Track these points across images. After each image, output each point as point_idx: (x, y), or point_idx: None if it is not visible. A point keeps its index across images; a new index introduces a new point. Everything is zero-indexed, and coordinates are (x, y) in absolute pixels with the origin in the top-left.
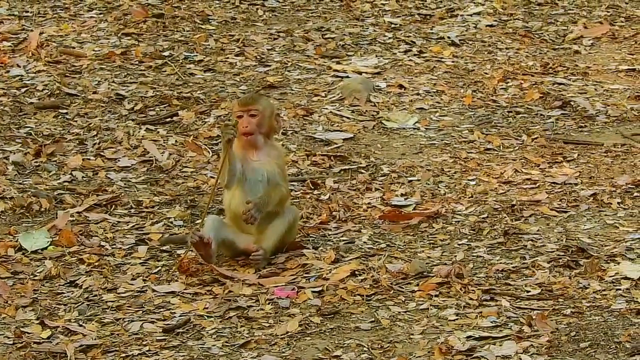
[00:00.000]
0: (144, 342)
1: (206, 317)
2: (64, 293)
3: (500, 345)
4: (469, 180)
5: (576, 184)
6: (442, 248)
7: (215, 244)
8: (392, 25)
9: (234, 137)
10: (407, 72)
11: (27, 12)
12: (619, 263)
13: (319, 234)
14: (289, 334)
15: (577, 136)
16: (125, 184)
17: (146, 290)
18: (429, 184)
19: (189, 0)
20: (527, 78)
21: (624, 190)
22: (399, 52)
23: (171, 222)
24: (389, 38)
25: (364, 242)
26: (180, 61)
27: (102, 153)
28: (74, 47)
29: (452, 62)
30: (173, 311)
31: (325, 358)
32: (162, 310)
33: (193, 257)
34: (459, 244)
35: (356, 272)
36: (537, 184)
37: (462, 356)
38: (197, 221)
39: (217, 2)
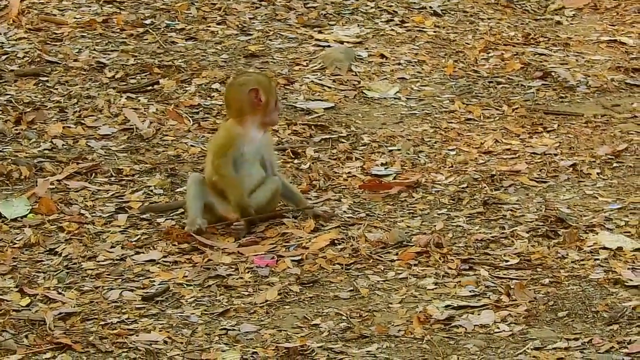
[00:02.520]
0: (123, 310)
1: (185, 286)
2: (43, 261)
3: (479, 314)
4: (449, 150)
5: (556, 155)
6: (422, 218)
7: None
8: None
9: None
10: (389, 42)
11: None
12: (597, 233)
13: None
14: (268, 302)
15: (557, 107)
16: (105, 152)
17: (125, 258)
18: (409, 154)
19: None
20: (508, 48)
21: (603, 160)
22: (381, 21)
23: (151, 191)
24: (371, 7)
25: (344, 212)
26: (162, 29)
27: (82, 121)
28: (55, 15)
29: (434, 32)
30: (152, 279)
31: (304, 327)
32: (141, 278)
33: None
34: (438, 214)
35: (336, 241)
36: (517, 154)
37: (440, 325)
38: (178, 190)
39: None
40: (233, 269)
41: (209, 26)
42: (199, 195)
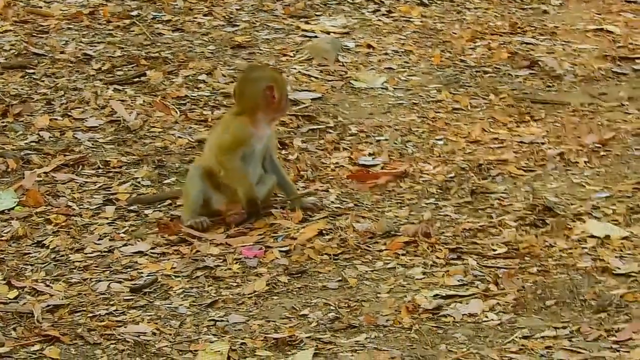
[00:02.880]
0: (111, 302)
1: (173, 277)
2: (31, 253)
3: (467, 303)
4: (436, 139)
5: (543, 143)
6: (410, 207)
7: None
8: None
9: None
10: (376, 32)
11: None
12: (585, 222)
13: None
14: (256, 293)
15: (544, 96)
16: (92, 144)
17: (113, 250)
18: (396, 144)
19: None
20: (495, 38)
21: (590, 149)
22: (368, 12)
23: (139, 182)
24: None
25: (332, 202)
26: (148, 21)
27: (69, 113)
28: (41, 7)
29: (421, 22)
30: (140, 271)
31: (293, 317)
32: (129, 270)
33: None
34: (426, 203)
35: (324, 232)
36: (505, 143)
37: (428, 314)
38: (165, 181)
39: None
40: (221, 260)
41: (196, 17)
42: (201, 190)
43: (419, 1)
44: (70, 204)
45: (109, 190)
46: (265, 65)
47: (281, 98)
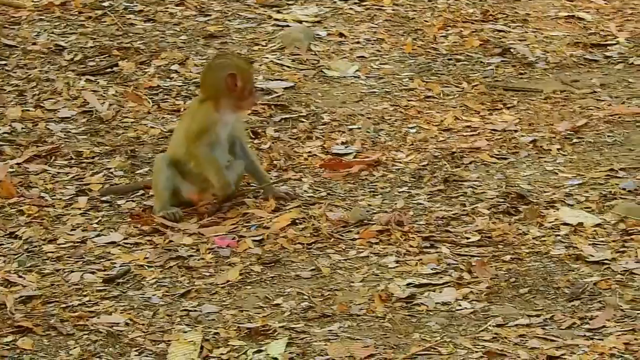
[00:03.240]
0: (84, 293)
1: (146, 267)
2: (3, 244)
3: (440, 292)
4: (409, 128)
5: (516, 131)
6: (383, 196)
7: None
8: None
9: None
10: (348, 21)
11: None
12: (558, 209)
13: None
14: (230, 283)
15: (516, 83)
16: (65, 135)
17: (86, 240)
18: (369, 132)
19: None
20: (467, 25)
21: (563, 136)
22: (339, 0)
23: (111, 173)
24: None
25: (305, 191)
26: (120, 11)
27: (41, 104)
28: None
29: (393, 10)
30: (113, 261)
31: (266, 306)
32: (102, 260)
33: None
34: (399, 192)
35: (297, 221)
36: (477, 131)
37: (402, 303)
38: (138, 171)
39: None
40: (194, 250)
41: (167, 8)
42: (170, 180)
43: None
44: (43, 194)
45: (82, 181)
46: (232, 54)
47: (245, 87)
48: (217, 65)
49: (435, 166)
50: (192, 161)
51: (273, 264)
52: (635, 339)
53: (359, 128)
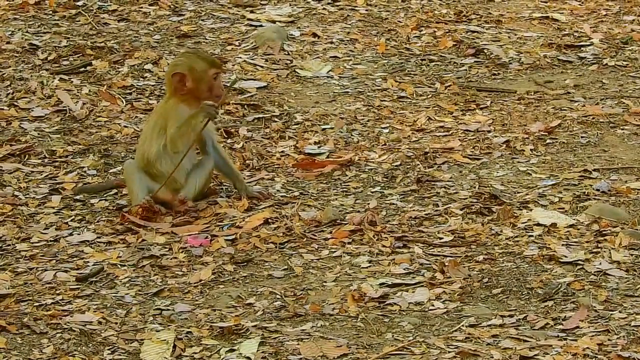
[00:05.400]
0: (57, 291)
1: (119, 266)
2: None
3: (413, 292)
4: (382, 128)
5: (489, 131)
6: (355, 196)
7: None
8: None
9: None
10: (321, 21)
11: None
12: (531, 210)
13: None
14: (202, 282)
15: (490, 84)
16: (38, 134)
17: (59, 239)
18: (342, 132)
19: None
20: (440, 26)
21: (536, 137)
22: (313, 0)
23: (85, 172)
24: None
25: (278, 191)
26: (94, 11)
27: (15, 103)
28: None
29: (366, 10)
30: (86, 260)
31: (239, 306)
32: (75, 259)
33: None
34: (372, 192)
35: (269, 220)
36: (450, 132)
37: (374, 303)
38: (111, 170)
39: None
40: (167, 249)
41: (141, 7)
42: (143, 183)
43: None
44: (16, 193)
45: (55, 180)
46: (197, 52)
47: (197, 87)
48: (172, 62)
49: (408, 166)
50: (171, 146)
51: (246, 264)
52: (609, 340)
53: (332, 128)
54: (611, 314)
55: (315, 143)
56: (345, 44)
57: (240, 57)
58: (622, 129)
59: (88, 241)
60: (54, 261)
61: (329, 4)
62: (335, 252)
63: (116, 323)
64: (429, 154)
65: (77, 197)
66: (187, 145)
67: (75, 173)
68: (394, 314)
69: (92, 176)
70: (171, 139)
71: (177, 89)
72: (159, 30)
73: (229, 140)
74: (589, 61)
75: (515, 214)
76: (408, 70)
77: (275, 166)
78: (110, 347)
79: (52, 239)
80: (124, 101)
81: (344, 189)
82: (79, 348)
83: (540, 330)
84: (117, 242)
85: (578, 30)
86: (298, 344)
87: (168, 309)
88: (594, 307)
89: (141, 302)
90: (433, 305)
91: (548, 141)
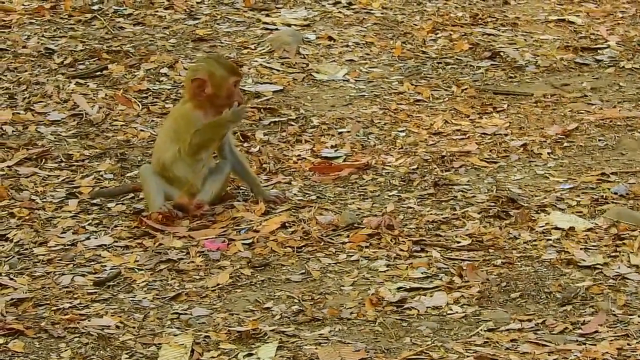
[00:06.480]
0: (74, 295)
1: (137, 270)
2: None
3: (431, 296)
4: (398, 131)
5: (506, 135)
6: (373, 199)
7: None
8: None
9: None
10: (337, 24)
11: None
12: (549, 213)
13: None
14: (220, 286)
15: (506, 87)
16: (55, 138)
17: (77, 243)
18: (358, 136)
19: None
20: (456, 29)
21: (553, 140)
22: (328, 4)
23: (101, 176)
24: None
25: (295, 194)
26: (110, 15)
27: (32, 107)
28: (3, 2)
29: (382, 13)
30: (104, 264)
31: (256, 310)
32: (92, 263)
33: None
34: (389, 195)
35: (286, 224)
36: (467, 135)
37: (392, 307)
38: (128, 174)
39: None
40: (184, 253)
41: (157, 11)
42: (159, 187)
43: None
44: (33, 197)
45: (72, 184)
46: (218, 58)
47: (217, 94)
48: (192, 67)
49: (425, 170)
50: (189, 151)
51: (263, 267)
52: (628, 344)
53: (349, 131)
54: (630, 319)
55: (331, 147)
56: (361, 47)
57: (256, 61)
58: None
59: (105, 245)
60: (72, 265)
61: (344, 7)
62: (352, 256)
63: (134, 327)
64: (446, 158)
65: (94, 201)
66: (209, 152)
67: (91, 177)
68: (412, 318)
69: (109, 180)
70: (193, 146)
71: (195, 94)
72: (174, 34)
73: (245, 144)
74: (605, 64)
75: (533, 218)
76: (424, 74)
77: (292, 170)
78: (128, 351)
79: (69, 243)
80: (140, 105)
81: (361, 193)
82: (97, 352)
83: (558, 335)
84: (135, 246)
85: (594, 33)
86: (316, 349)
87: (186, 313)
88: (613, 311)
89: (159, 306)
90: (451, 310)
91: (565, 144)
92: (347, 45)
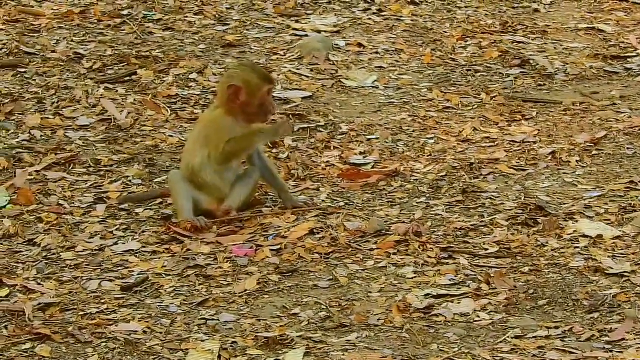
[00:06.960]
0: (102, 300)
1: (164, 276)
2: (22, 252)
3: (459, 303)
4: (427, 138)
5: (535, 142)
6: (401, 206)
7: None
8: None
9: None
10: (366, 31)
11: None
12: (577, 221)
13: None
14: (247, 292)
15: (536, 94)
16: (83, 143)
17: (104, 248)
18: (387, 143)
19: None
20: (486, 37)
21: (582, 148)
22: (358, 10)
23: (130, 181)
24: None
25: (323, 201)
26: (139, 20)
27: (60, 112)
28: (32, 6)
29: (411, 20)
30: (131, 270)
31: (284, 316)
32: (120, 268)
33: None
34: (417, 202)
35: (314, 231)
36: (496, 142)
37: (420, 314)
38: (156, 180)
39: None
40: (212, 259)
41: (186, 16)
42: (188, 193)
43: (409, 0)
44: (61, 202)
45: (100, 189)
46: (253, 66)
47: (250, 101)
48: (227, 74)
49: (454, 177)
50: (222, 158)
51: (291, 274)
52: None
53: (377, 138)
54: None
55: (360, 153)
56: (391, 54)
57: (286, 67)
58: None
59: (133, 250)
60: (99, 270)
61: (374, 14)
62: (380, 262)
63: (161, 333)
64: (474, 165)
65: (122, 206)
66: (240, 160)
67: (120, 182)
68: (440, 325)
69: (137, 185)
70: (225, 154)
71: (229, 101)
72: (204, 39)
73: (274, 150)
74: (635, 72)
75: (561, 226)
76: (454, 81)
77: (321, 176)
78: (155, 356)
79: (97, 248)
80: (169, 110)
81: (390, 200)
82: (124, 357)
83: (586, 342)
84: (162, 252)
85: (624, 41)
86: (343, 355)
87: (213, 319)
88: None
89: (186, 311)
90: (478, 317)
91: (594, 152)
92: (377, 52)
